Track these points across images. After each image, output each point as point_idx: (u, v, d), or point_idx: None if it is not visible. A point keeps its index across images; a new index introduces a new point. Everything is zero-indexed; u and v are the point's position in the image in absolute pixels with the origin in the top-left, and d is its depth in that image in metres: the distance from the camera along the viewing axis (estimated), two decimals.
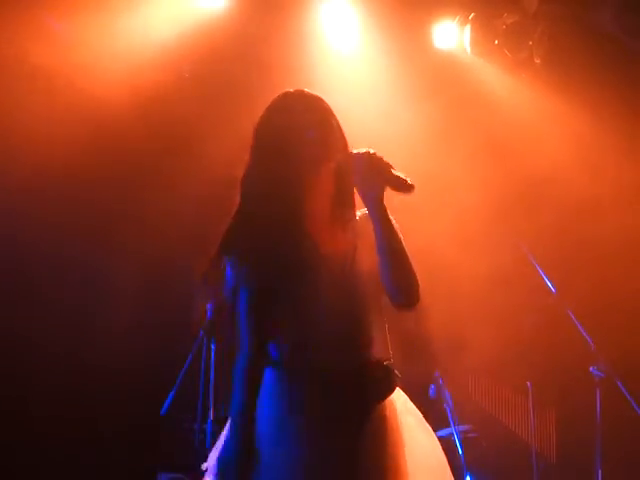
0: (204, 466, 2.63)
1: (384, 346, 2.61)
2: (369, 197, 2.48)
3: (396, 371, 2.59)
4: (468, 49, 5.53)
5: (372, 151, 2.47)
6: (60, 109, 4.76)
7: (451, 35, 5.57)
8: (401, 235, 2.53)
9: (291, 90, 2.63)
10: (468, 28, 5.47)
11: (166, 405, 4.53)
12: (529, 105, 5.65)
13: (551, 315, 5.18)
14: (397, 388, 2.61)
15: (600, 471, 4.68)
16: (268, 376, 2.55)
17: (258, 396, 2.49)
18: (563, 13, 5.40)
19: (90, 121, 4.84)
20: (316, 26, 5.37)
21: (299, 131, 2.52)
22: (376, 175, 2.44)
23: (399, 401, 2.62)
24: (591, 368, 4.74)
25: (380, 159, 2.46)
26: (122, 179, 5.14)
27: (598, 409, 4.72)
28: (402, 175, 2.43)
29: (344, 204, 2.58)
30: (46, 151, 4.69)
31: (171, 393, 4.52)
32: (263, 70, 5.17)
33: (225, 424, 2.56)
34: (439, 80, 5.55)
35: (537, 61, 5.49)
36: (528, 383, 5.32)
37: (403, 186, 2.42)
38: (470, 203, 5.30)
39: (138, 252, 5.16)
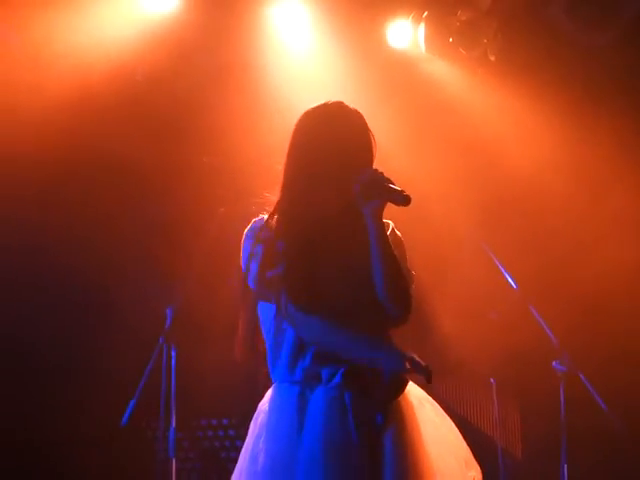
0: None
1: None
2: (367, 209, 2.59)
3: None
4: (423, 47, 5.53)
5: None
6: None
7: (405, 33, 5.58)
8: (403, 248, 2.69)
9: (330, 101, 2.74)
10: (422, 26, 5.48)
11: (126, 415, 4.49)
12: (485, 103, 5.65)
13: (513, 311, 5.22)
14: (409, 382, 2.68)
15: (566, 466, 4.72)
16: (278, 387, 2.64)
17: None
18: (517, 9, 5.43)
19: (37, 123, 4.82)
20: (268, 27, 5.36)
21: (342, 139, 2.64)
22: (376, 189, 2.56)
23: (413, 394, 2.68)
24: (554, 363, 4.78)
25: (381, 174, 2.58)
26: (73, 180, 5.14)
27: (562, 404, 4.75)
28: (399, 189, 2.54)
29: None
30: None
31: (131, 402, 4.49)
32: (217, 73, 5.20)
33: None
34: (394, 79, 5.57)
35: (492, 58, 5.53)
36: (492, 379, 5.37)
37: (400, 199, 2.53)
38: (422, 198, 5.38)
39: (91, 250, 5.14)
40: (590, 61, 5.56)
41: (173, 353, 4.60)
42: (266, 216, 2.71)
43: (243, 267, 2.68)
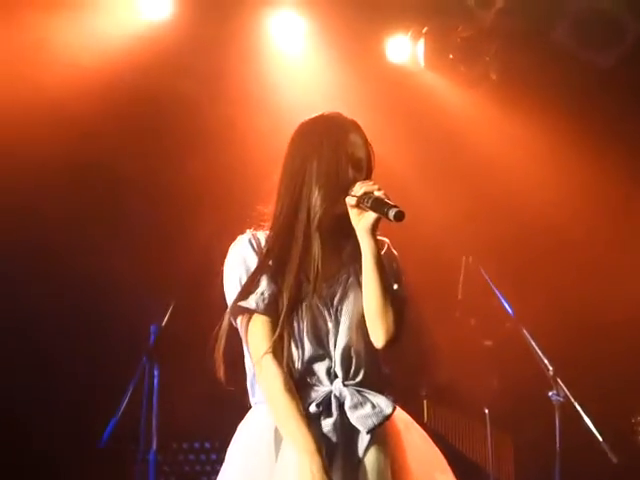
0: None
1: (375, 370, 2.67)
2: (361, 225, 2.56)
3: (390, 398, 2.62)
4: (422, 63, 5.52)
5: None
6: None
7: (404, 49, 5.58)
8: (399, 266, 2.69)
9: (327, 112, 2.72)
10: (422, 42, 5.47)
11: (105, 435, 4.41)
12: (485, 122, 5.67)
13: (508, 339, 5.17)
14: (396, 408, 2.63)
15: None
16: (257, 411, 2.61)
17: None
18: (520, 28, 5.40)
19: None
20: (266, 38, 5.38)
21: (339, 150, 2.61)
22: (369, 202, 2.52)
23: (400, 419, 2.66)
24: (550, 393, 4.73)
25: (376, 188, 2.55)
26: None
27: (557, 435, 4.70)
28: (392, 203, 2.50)
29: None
30: None
31: (111, 422, 4.42)
32: (209, 81, 5.18)
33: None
34: (392, 94, 5.56)
35: (493, 77, 5.52)
36: (485, 410, 5.32)
37: (393, 214, 2.48)
38: (422, 219, 5.36)
39: (70, 261, 5.10)
40: (594, 81, 5.55)
41: (156, 372, 4.56)
42: (254, 232, 2.67)
43: (225, 286, 2.64)
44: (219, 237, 2.88)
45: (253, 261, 2.61)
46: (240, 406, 2.66)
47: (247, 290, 2.57)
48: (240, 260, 2.62)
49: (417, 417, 2.75)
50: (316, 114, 2.73)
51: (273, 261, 2.60)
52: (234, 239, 2.70)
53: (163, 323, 4.59)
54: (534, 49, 5.46)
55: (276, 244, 2.61)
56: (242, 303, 2.57)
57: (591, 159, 5.52)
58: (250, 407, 2.66)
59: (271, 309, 2.57)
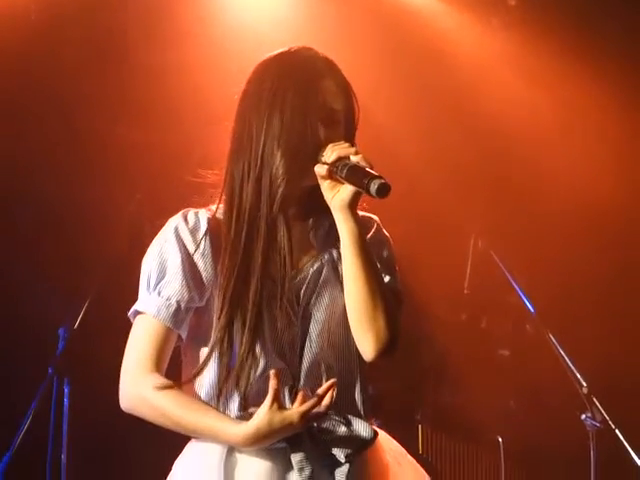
0: None
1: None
2: (335, 202, 2.53)
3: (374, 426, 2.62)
4: None
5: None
6: None
7: None
8: (391, 251, 2.70)
9: (295, 47, 2.68)
10: None
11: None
12: (501, 61, 5.70)
13: (528, 347, 5.32)
14: (379, 434, 2.63)
15: None
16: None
17: None
18: None
19: None
20: None
21: (311, 99, 2.57)
22: (346, 172, 2.49)
23: (388, 450, 2.66)
24: (583, 416, 4.74)
25: (355, 152, 2.52)
26: None
27: (592, 471, 4.71)
28: (375, 173, 2.45)
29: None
30: None
31: (5, 458, 4.42)
32: (145, 15, 5.22)
33: None
34: (383, 29, 5.54)
35: (511, 2, 5.63)
36: (498, 438, 5.38)
37: (376, 189, 2.42)
38: (426, 183, 5.43)
39: None
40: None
41: (66, 390, 4.56)
42: (195, 211, 2.66)
43: (143, 275, 2.62)
44: (151, 218, 2.82)
45: (173, 253, 2.58)
46: (177, 436, 2.60)
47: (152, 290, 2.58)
48: (156, 251, 2.61)
49: (410, 446, 2.75)
50: (279, 50, 2.67)
51: (217, 257, 2.58)
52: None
53: (75, 325, 4.57)
54: None
55: (227, 234, 2.58)
56: (138, 306, 2.57)
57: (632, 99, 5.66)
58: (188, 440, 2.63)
59: (177, 320, 2.55)
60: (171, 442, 2.64)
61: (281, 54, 2.66)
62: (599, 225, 5.64)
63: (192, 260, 2.57)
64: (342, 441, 2.54)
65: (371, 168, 2.46)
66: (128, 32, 5.24)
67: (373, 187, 2.41)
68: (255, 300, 2.52)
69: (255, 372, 2.52)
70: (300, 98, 2.55)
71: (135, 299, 2.62)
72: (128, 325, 2.62)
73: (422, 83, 5.61)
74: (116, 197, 5.03)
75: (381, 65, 5.38)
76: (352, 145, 2.54)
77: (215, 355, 2.52)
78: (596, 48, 5.55)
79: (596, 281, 5.66)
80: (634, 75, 5.60)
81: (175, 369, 2.64)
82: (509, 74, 5.69)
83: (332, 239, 2.60)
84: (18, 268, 5.12)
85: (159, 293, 2.55)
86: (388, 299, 2.57)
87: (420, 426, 5.54)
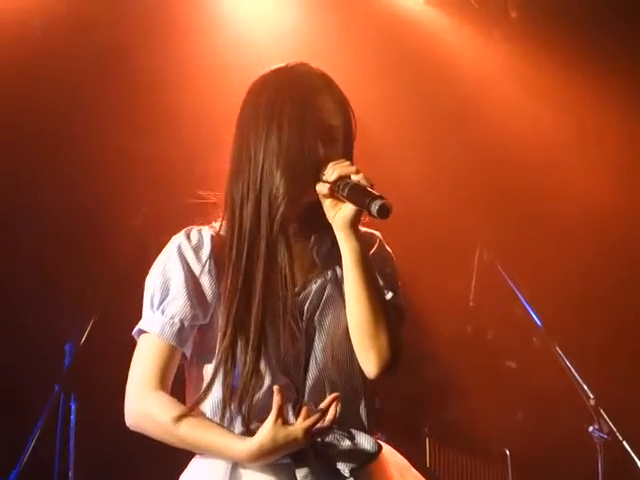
0: None
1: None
2: (337, 220, 2.53)
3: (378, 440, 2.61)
4: None
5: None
6: None
7: None
8: (394, 268, 2.69)
9: (293, 63, 2.68)
10: None
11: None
12: (503, 73, 5.70)
13: (535, 359, 5.26)
14: (383, 447, 2.63)
15: None
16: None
17: None
18: None
19: None
20: None
21: (309, 117, 2.57)
22: (347, 190, 2.49)
23: (392, 463, 2.66)
24: (590, 428, 4.75)
25: (356, 171, 2.51)
26: None
27: None
28: (376, 193, 2.45)
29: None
30: None
31: (13, 474, 4.43)
32: (147, 22, 5.25)
33: None
34: (382, 39, 5.57)
35: (513, 15, 5.60)
36: (506, 450, 5.38)
37: (377, 209, 2.43)
38: (429, 196, 5.40)
39: None
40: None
41: (73, 406, 4.56)
42: (198, 229, 2.66)
43: (147, 293, 2.62)
44: (156, 233, 2.87)
45: (176, 272, 2.58)
46: (182, 452, 2.60)
47: (156, 309, 2.58)
48: (160, 270, 2.61)
49: (418, 460, 2.82)
50: (276, 66, 2.67)
51: (220, 275, 2.58)
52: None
53: (81, 341, 4.59)
54: None
55: (229, 253, 2.58)
56: (142, 325, 2.57)
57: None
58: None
59: (181, 339, 2.55)
60: (176, 458, 2.63)
61: (278, 69, 2.66)
62: (604, 235, 5.62)
63: (195, 278, 2.57)
64: (346, 455, 2.54)
65: (372, 187, 2.46)
66: (130, 45, 5.23)
67: (374, 208, 2.41)
68: (257, 320, 2.52)
69: (260, 390, 2.53)
70: (298, 112, 2.55)
71: (141, 315, 2.61)
72: (134, 341, 2.63)
73: (424, 95, 5.61)
74: (120, 210, 5.04)
75: (382, 78, 5.40)
76: (352, 162, 2.54)
77: (220, 375, 2.53)
78: (596, 60, 5.55)
79: (601, 291, 5.63)
80: (634, 86, 5.59)
81: (179, 387, 2.63)
82: (510, 86, 5.70)
83: (335, 257, 2.59)
84: (22, 282, 5.15)
85: (163, 312, 2.55)
86: (390, 317, 2.57)
87: (428, 439, 5.54)
